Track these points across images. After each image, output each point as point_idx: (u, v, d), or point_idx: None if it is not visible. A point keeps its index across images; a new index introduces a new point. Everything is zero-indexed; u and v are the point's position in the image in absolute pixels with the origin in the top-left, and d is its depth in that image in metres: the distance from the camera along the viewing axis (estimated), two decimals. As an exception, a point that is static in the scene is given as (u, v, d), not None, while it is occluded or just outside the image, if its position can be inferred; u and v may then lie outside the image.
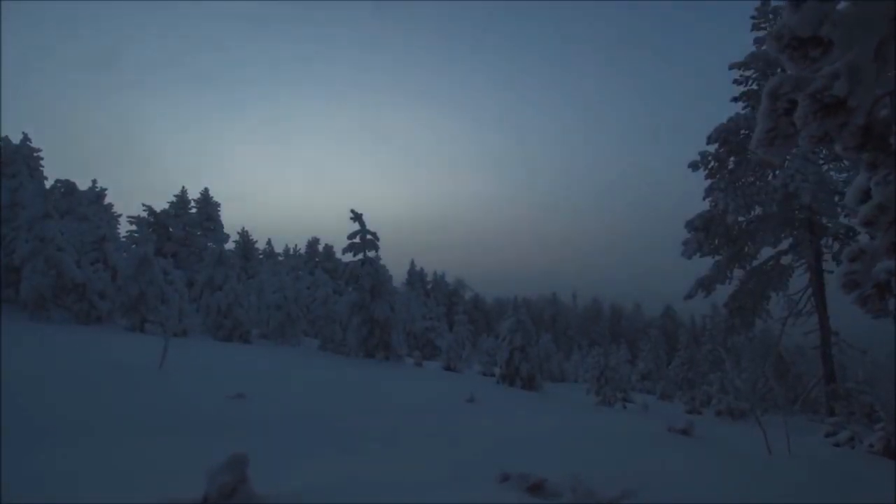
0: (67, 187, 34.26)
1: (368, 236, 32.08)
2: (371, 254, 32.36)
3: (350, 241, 31.96)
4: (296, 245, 78.43)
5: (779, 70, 28.05)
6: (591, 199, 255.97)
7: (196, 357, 19.01)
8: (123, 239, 43.98)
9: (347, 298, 32.05)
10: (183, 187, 54.93)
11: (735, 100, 30.07)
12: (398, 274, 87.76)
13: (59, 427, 8.65)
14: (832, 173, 27.37)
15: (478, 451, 9.40)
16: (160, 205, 52.94)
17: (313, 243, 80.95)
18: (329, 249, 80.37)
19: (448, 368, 35.97)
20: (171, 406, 10.86)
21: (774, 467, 10.77)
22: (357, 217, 31.72)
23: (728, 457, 11.65)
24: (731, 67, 29.61)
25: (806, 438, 16.15)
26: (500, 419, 14.39)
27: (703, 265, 30.08)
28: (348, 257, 33.03)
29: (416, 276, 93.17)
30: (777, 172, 28.06)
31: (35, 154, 35.30)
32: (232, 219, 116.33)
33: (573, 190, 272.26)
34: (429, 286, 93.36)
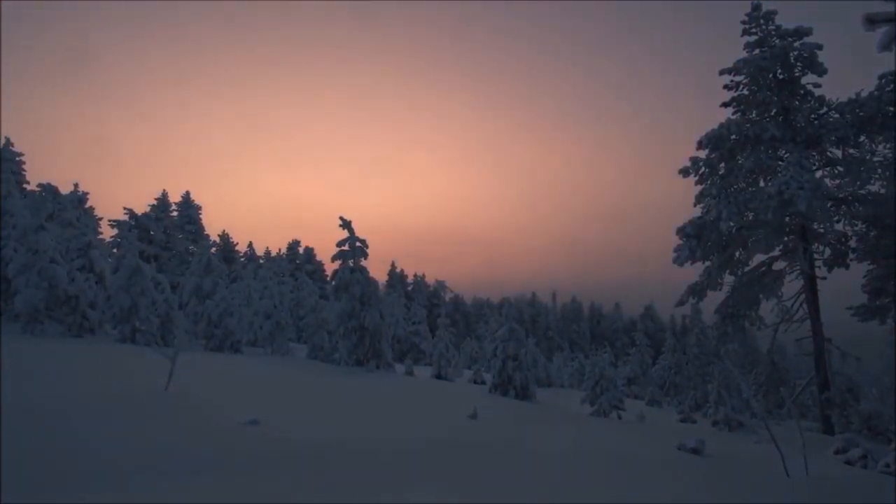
0: (49, 192, 33.62)
1: (357, 244, 31.73)
2: (360, 260, 32.03)
3: (339, 249, 31.60)
4: (279, 249, 77.84)
5: (770, 76, 28.04)
6: (573, 197, 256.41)
7: (197, 374, 18.56)
8: (107, 243, 43.44)
9: (337, 307, 31.69)
10: (164, 190, 54.52)
11: (725, 105, 29.95)
12: (376, 275, 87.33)
13: (77, 469, 8.24)
14: (826, 180, 27.38)
15: (520, 492, 9.12)
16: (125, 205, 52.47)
17: (294, 246, 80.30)
18: (310, 252, 79.86)
19: (439, 376, 35.66)
20: (189, 437, 10.46)
21: (798, 493, 10.59)
22: (346, 224, 31.34)
23: (749, 482, 11.44)
24: (721, 73, 29.41)
25: (815, 455, 16.00)
26: (512, 442, 14.13)
27: (687, 266, 29.99)
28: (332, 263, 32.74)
29: (396, 278, 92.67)
30: (770, 179, 28.04)
31: (17, 159, 34.76)
32: (213, 221, 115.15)
33: (552, 189, 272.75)
34: (409, 288, 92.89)
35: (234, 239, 66.71)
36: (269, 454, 9.88)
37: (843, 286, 29.15)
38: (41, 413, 11.09)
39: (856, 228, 27.78)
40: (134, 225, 48.29)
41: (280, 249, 77.86)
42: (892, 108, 25.63)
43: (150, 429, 10.92)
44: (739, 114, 29.49)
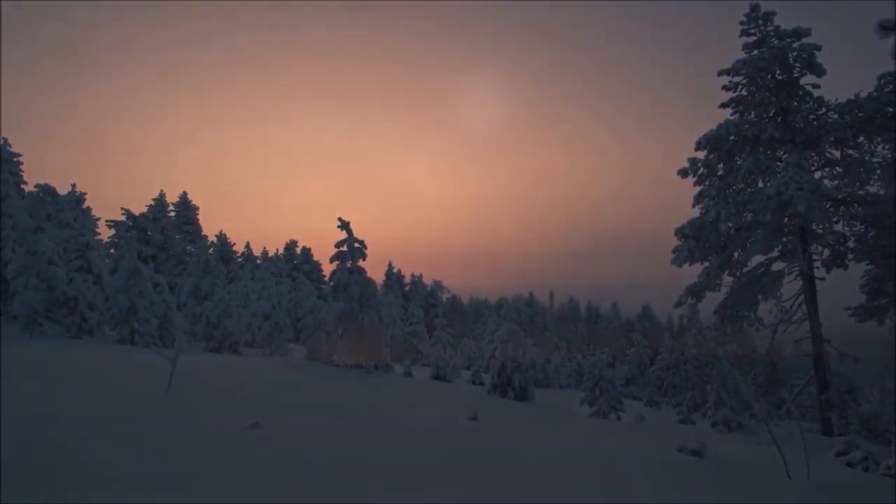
0: (47, 192, 33.53)
1: (356, 245, 31.62)
2: (358, 261, 31.93)
3: (338, 250, 31.50)
4: (277, 249, 77.65)
5: (769, 77, 28.03)
6: (571, 197, 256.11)
7: (197, 376, 18.48)
8: (104, 244, 43.43)
9: (336, 307, 31.60)
10: (161, 190, 54.41)
11: (723, 106, 29.95)
12: (373, 275, 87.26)
13: (77, 473, 8.17)
14: (825, 181, 27.41)
15: (522, 494, 9.10)
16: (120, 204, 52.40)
17: (291, 246, 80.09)
18: (307, 252, 79.64)
19: (437, 377, 35.57)
20: (191, 441, 10.41)
21: (800, 496, 10.57)
22: (344, 225, 31.22)
23: (751, 485, 11.42)
24: (719, 74, 29.42)
25: (815, 457, 15.96)
26: (513, 444, 14.10)
27: (685, 267, 29.97)
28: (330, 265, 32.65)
29: (393, 278, 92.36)
30: (769, 180, 28.06)
31: (15, 159, 34.69)
32: (209, 221, 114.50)
33: (550, 189, 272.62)
34: (406, 288, 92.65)
35: (232, 239, 66.56)
36: (272, 458, 9.84)
37: (840, 287, 29.20)
38: (40, 416, 11.05)
39: (854, 229, 27.83)
40: (131, 225, 48.22)
41: (277, 250, 77.73)
42: (891, 109, 25.66)
43: (152, 432, 10.88)
44: (738, 115, 29.51)
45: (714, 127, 29.03)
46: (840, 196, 27.36)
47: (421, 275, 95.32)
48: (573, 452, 13.35)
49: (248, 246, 71.83)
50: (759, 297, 29.67)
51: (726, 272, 30.28)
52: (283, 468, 9.37)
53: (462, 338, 66.43)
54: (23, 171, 36.20)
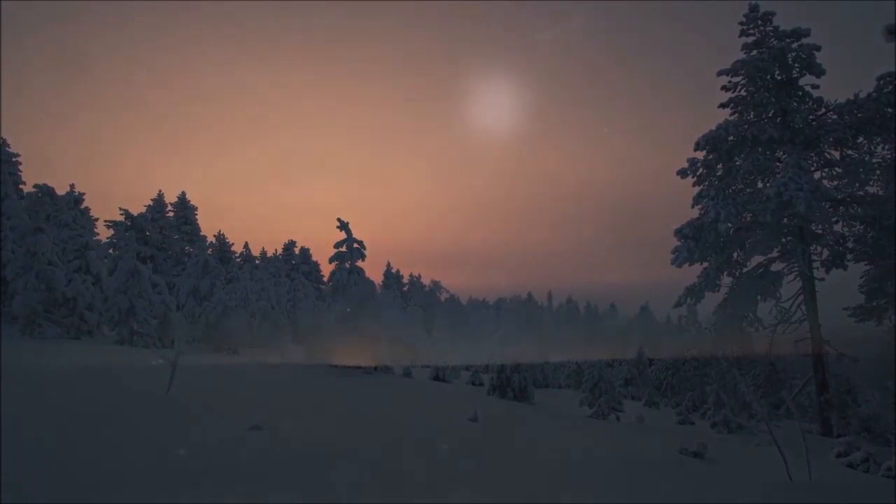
0: (45, 193, 33.49)
1: (355, 245, 31.60)
2: (357, 262, 31.91)
3: (336, 250, 31.48)
4: (276, 250, 77.34)
5: (768, 77, 28.01)
6: (569, 197, 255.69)
7: (197, 377, 18.46)
8: (102, 244, 43.36)
9: (335, 309, 31.60)
10: (160, 191, 54.30)
11: (723, 106, 29.90)
12: (371, 275, 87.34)
13: (76, 476, 8.14)
14: (825, 181, 27.40)
15: (524, 495, 9.08)
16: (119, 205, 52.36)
17: (290, 246, 79.81)
18: (306, 252, 79.33)
19: (437, 378, 35.57)
20: (191, 443, 10.36)
21: (802, 497, 10.55)
22: (343, 226, 31.22)
23: (752, 486, 11.40)
24: (719, 74, 29.36)
25: (815, 458, 15.92)
26: (514, 445, 14.08)
27: (681, 266, 29.93)
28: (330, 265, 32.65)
29: (392, 278, 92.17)
30: (768, 180, 28.06)
31: (14, 160, 34.60)
32: (207, 222, 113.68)
33: (548, 189, 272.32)
34: (405, 289, 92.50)
35: (230, 239, 66.33)
36: (273, 460, 9.80)
37: (840, 287, 29.14)
38: (39, 418, 11.02)
39: (854, 229, 27.81)
40: (130, 226, 48.12)
41: (276, 250, 77.42)
42: (890, 110, 25.65)
43: (151, 433, 10.84)
44: (737, 115, 29.44)
45: (713, 127, 28.98)
46: (839, 196, 27.33)
47: (419, 275, 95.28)
48: (573, 453, 13.34)
49: (246, 246, 71.65)
50: (759, 297, 29.61)
51: (726, 272, 30.28)
52: (283, 469, 9.34)
53: (461, 338, 66.35)
54: (21, 171, 36.17)
